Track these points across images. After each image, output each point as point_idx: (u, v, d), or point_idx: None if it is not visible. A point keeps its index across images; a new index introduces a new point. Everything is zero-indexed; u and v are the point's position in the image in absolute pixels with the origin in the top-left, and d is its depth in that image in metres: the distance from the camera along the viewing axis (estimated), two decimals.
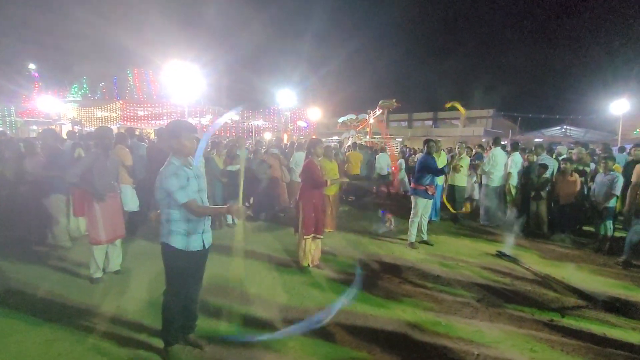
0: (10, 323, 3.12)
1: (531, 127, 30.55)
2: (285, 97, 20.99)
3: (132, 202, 5.20)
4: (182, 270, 2.60)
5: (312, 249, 4.55)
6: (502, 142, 7.69)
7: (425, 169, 5.43)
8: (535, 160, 6.96)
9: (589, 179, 6.58)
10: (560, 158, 7.41)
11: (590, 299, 3.91)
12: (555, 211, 6.57)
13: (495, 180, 7.10)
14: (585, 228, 6.61)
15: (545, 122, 28.76)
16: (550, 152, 7.99)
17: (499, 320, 3.42)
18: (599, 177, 5.76)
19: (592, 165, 7.15)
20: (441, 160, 6.96)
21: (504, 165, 7.14)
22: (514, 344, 3.03)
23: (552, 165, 6.76)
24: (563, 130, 27.29)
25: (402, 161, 10.61)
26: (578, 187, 6.11)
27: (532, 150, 7.46)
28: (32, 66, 20.93)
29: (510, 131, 28.84)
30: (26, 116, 19.52)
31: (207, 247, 2.68)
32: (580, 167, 6.45)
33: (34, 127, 18.79)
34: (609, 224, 5.56)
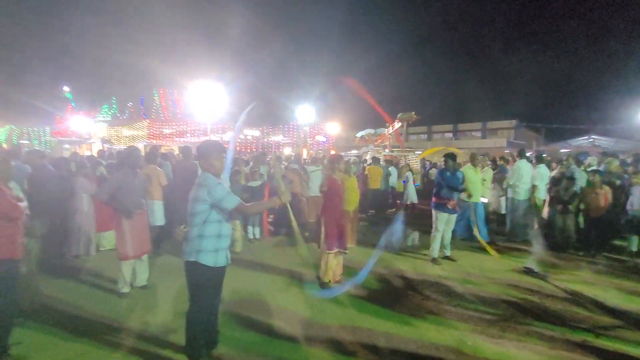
0: (43, 337, 3.24)
1: (556, 138, 29.70)
2: (304, 112, 21.26)
3: (159, 217, 5.39)
4: (210, 287, 2.71)
5: (334, 265, 4.54)
6: (527, 154, 7.48)
7: (439, 183, 5.54)
8: (564, 171, 6.74)
9: (621, 192, 6.30)
10: (589, 170, 7.14)
11: (625, 318, 3.72)
12: (585, 225, 6.31)
13: (521, 193, 6.87)
14: (616, 242, 6.31)
15: (571, 132, 27.90)
16: (578, 163, 7.74)
17: (529, 341, 3.29)
18: (638, 190, 5.51)
19: (625, 177, 6.84)
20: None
21: (530, 178, 6.93)
22: None
23: (581, 177, 6.51)
24: (591, 140, 26.35)
25: (410, 173, 10.69)
26: (609, 200, 5.86)
27: (565, 160, 7.23)
28: (66, 89, 22.07)
29: (534, 142, 28.07)
30: (59, 136, 20.53)
31: (228, 262, 2.82)
32: (606, 179, 6.16)
33: (67, 145, 19.70)
34: None
